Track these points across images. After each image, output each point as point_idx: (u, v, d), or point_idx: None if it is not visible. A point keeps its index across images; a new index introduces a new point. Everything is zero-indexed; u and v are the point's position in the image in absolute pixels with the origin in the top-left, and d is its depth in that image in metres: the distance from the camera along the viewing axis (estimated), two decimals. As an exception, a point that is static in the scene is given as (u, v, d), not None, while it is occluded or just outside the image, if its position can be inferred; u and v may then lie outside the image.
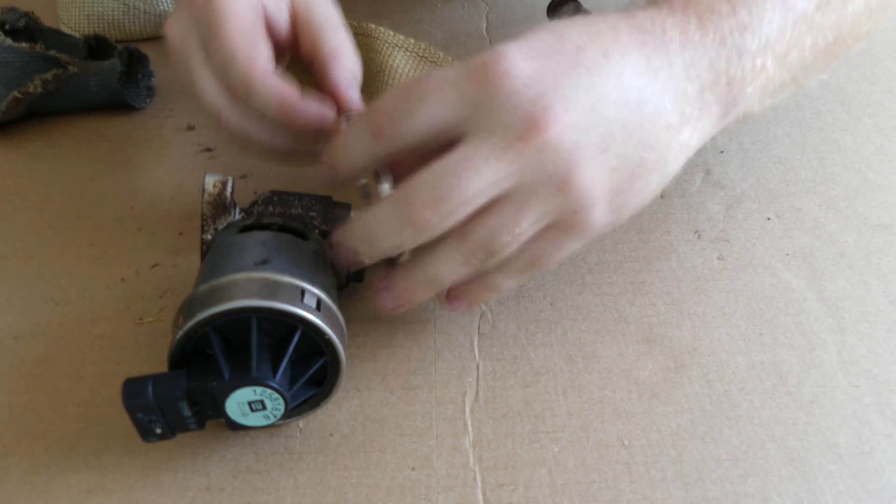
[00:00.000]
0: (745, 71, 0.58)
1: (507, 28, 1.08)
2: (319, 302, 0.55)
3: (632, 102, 0.55)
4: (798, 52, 0.61)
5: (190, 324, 0.52)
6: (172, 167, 0.84)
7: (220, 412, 0.53)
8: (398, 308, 0.61)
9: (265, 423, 0.54)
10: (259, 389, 0.52)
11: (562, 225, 0.56)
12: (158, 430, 0.52)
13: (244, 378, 0.51)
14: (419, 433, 0.60)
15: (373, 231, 0.56)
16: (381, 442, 0.59)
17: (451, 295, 0.62)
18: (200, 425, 0.54)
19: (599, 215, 0.56)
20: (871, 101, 0.93)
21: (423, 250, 0.57)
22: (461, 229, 0.55)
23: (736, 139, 0.87)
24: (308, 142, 0.65)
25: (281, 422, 0.56)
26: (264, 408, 0.53)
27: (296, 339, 0.53)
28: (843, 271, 0.72)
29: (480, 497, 0.56)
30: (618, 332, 0.67)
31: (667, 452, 0.58)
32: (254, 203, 0.64)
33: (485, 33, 1.07)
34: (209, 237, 0.62)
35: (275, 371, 0.52)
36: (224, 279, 0.53)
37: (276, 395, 0.52)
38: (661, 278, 0.71)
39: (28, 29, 0.90)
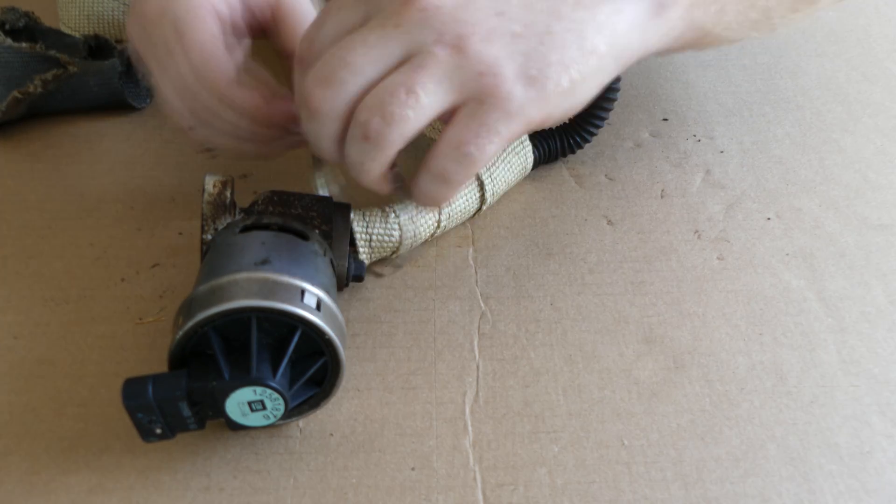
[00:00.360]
0: None
1: None
2: (319, 302, 0.54)
3: None
4: None
5: (190, 324, 0.52)
6: (172, 167, 0.84)
7: (220, 412, 0.53)
8: (378, 191, 0.60)
9: (265, 423, 0.54)
10: (259, 389, 0.52)
11: (475, 97, 0.53)
12: (158, 430, 0.52)
13: (244, 378, 0.51)
14: (419, 433, 0.60)
15: (308, 136, 0.58)
16: (381, 442, 0.59)
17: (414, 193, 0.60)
18: (200, 425, 0.54)
19: (511, 83, 0.53)
20: (872, 102, 0.93)
21: None
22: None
23: (736, 139, 0.87)
24: (280, 136, 0.66)
25: (281, 422, 0.56)
26: (264, 408, 0.53)
27: (296, 339, 0.53)
28: (844, 271, 0.72)
29: (480, 497, 0.56)
30: (618, 332, 0.67)
31: (667, 452, 0.58)
32: (254, 203, 0.64)
33: None
34: (209, 237, 0.61)
35: (275, 371, 0.52)
36: (224, 279, 0.53)
37: (276, 395, 0.52)
38: (661, 278, 0.71)
39: (28, 29, 0.90)
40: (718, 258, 0.73)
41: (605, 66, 0.57)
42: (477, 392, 0.62)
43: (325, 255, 0.61)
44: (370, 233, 0.68)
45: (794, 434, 0.59)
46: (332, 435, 0.59)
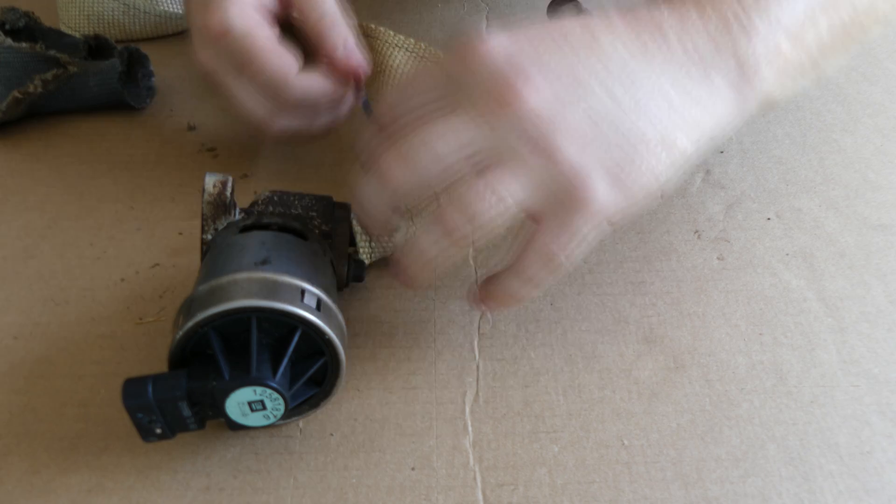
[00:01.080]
0: (756, 52, 0.57)
1: (506, 29, 1.06)
2: (319, 302, 0.54)
3: (625, 80, 0.55)
4: (814, 33, 0.60)
5: (190, 324, 0.51)
6: (172, 167, 0.84)
7: (220, 412, 0.53)
8: (411, 285, 0.60)
9: (265, 423, 0.54)
10: (259, 389, 0.52)
11: (562, 202, 0.54)
12: (158, 430, 0.52)
13: (244, 378, 0.51)
14: (419, 433, 0.59)
15: (361, 198, 0.58)
16: (381, 442, 0.59)
17: (480, 296, 0.61)
18: (200, 425, 0.54)
19: (600, 187, 0.53)
20: (871, 102, 0.93)
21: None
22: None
23: (736, 139, 0.87)
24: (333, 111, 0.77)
25: (281, 422, 0.56)
26: (264, 408, 0.53)
27: (296, 339, 0.53)
28: (843, 271, 0.72)
29: (480, 497, 0.56)
30: (618, 332, 0.67)
31: (667, 452, 0.58)
32: (254, 203, 0.64)
33: (485, 33, 1.05)
34: (209, 237, 0.61)
35: (275, 371, 0.52)
36: (224, 279, 0.53)
37: (276, 395, 0.52)
38: (661, 278, 0.71)
39: (28, 29, 0.90)
40: (718, 258, 0.73)
41: (687, 159, 0.58)
42: (477, 392, 0.62)
43: (324, 255, 0.61)
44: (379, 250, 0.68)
45: (794, 434, 0.59)
46: (332, 435, 0.59)
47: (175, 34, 1.05)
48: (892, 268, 0.72)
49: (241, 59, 0.70)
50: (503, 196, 0.53)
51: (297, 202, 0.64)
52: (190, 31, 0.73)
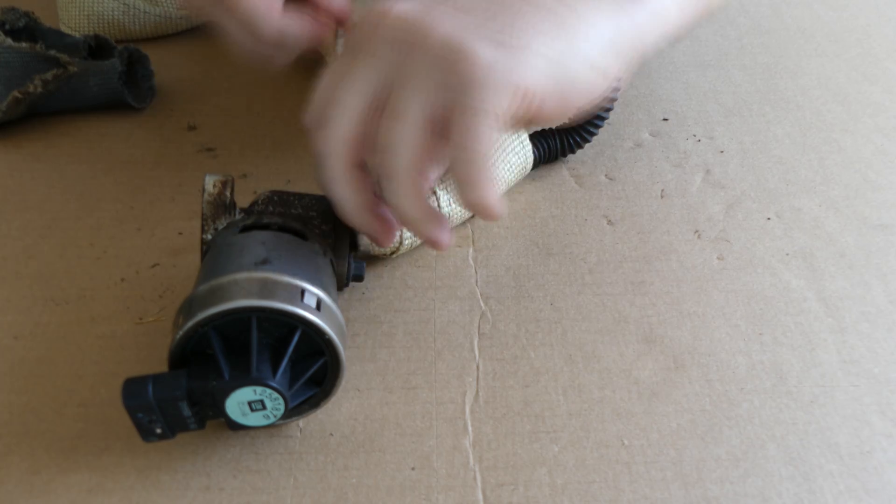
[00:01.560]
0: None
1: None
2: (319, 302, 0.54)
3: None
4: None
5: (190, 323, 0.51)
6: (172, 167, 0.83)
7: (220, 412, 0.53)
8: (383, 242, 0.62)
9: (265, 422, 0.54)
10: (259, 389, 0.52)
11: (454, 86, 0.52)
12: (158, 430, 0.52)
13: (244, 378, 0.51)
14: (419, 433, 0.59)
15: (321, 186, 0.60)
16: (381, 442, 0.59)
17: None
18: (200, 425, 0.54)
19: (482, 52, 0.52)
20: (871, 102, 0.93)
21: None
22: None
23: (736, 139, 0.87)
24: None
25: (281, 421, 0.56)
26: (264, 408, 0.53)
27: (296, 339, 0.53)
28: (843, 271, 0.72)
29: (480, 497, 0.55)
30: (618, 332, 0.67)
31: (667, 452, 0.58)
32: (254, 203, 0.64)
33: None
34: (209, 237, 0.61)
35: (275, 371, 0.52)
36: (224, 279, 0.53)
37: (275, 394, 0.52)
38: (661, 278, 0.71)
39: (28, 29, 0.90)
40: (718, 258, 0.73)
41: (575, 32, 0.57)
42: (477, 392, 0.62)
43: (324, 254, 0.61)
44: None
45: (794, 434, 0.59)
46: (332, 435, 0.59)
47: (175, 34, 1.05)
48: (893, 268, 0.72)
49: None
50: (401, 113, 0.53)
51: (297, 202, 0.64)
52: None
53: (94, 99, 0.88)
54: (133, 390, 0.50)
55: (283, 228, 0.60)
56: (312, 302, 0.54)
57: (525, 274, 0.71)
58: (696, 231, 0.75)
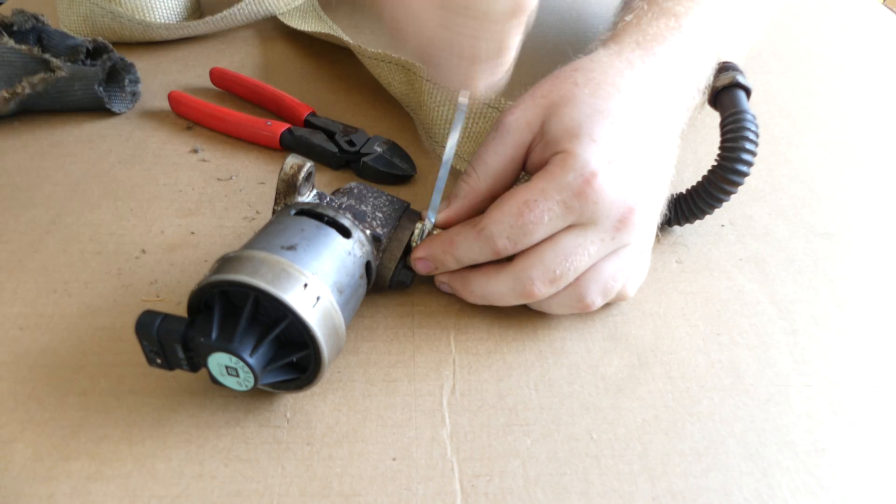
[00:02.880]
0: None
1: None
2: (318, 299, 0.53)
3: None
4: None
5: (205, 281, 0.52)
6: (169, 166, 0.82)
7: (204, 364, 0.54)
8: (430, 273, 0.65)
9: (238, 388, 0.54)
10: (234, 359, 0.51)
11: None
12: (159, 361, 0.55)
13: (224, 345, 0.51)
14: (399, 424, 0.58)
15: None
16: (364, 433, 0.57)
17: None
18: (193, 369, 0.55)
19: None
20: (815, 117, 0.93)
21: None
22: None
23: (690, 149, 0.86)
24: None
25: (268, 389, 0.57)
26: (238, 375, 0.53)
27: (282, 326, 0.52)
28: (794, 276, 0.71)
29: (458, 487, 0.54)
30: (584, 330, 0.65)
31: (633, 446, 0.56)
32: (336, 190, 0.65)
33: None
34: (278, 209, 0.62)
35: (255, 348, 0.52)
36: (251, 252, 0.54)
37: (247, 368, 0.52)
38: None
39: (35, 30, 0.90)
40: (677, 262, 0.72)
41: None
42: (454, 385, 0.61)
43: (360, 255, 0.60)
44: None
45: (752, 430, 0.58)
46: (317, 426, 0.58)
47: (170, 41, 1.05)
48: (839, 273, 0.71)
49: None
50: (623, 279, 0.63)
51: (371, 199, 0.65)
52: None
53: (79, 102, 0.88)
54: (144, 321, 0.53)
55: (331, 222, 0.60)
56: (311, 297, 0.53)
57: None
58: (656, 236, 0.73)
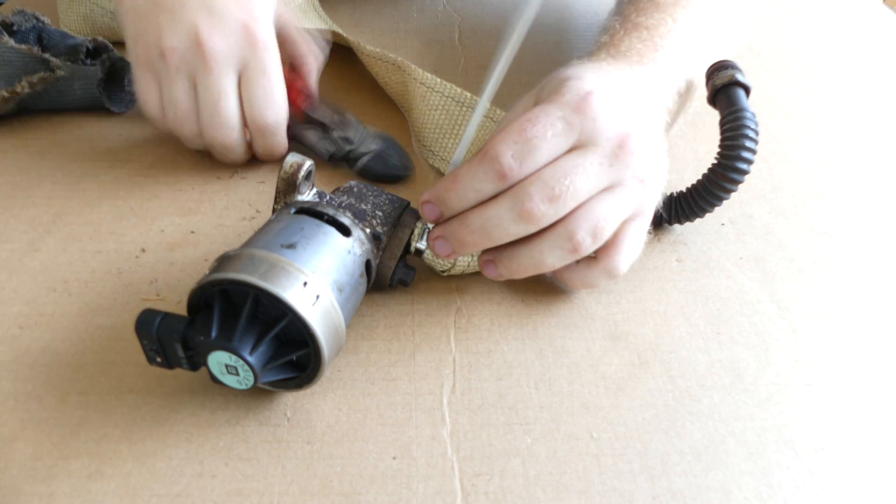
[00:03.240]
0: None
1: (476, 38, 1.08)
2: (318, 297, 0.53)
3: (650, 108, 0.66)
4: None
5: (204, 280, 0.52)
6: (169, 166, 0.82)
7: (204, 363, 0.53)
8: (452, 257, 0.63)
9: (238, 387, 0.54)
10: (234, 357, 0.51)
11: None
12: (159, 360, 0.55)
13: (224, 343, 0.51)
14: (399, 423, 0.58)
15: (490, 223, 0.59)
16: (364, 431, 0.57)
17: (487, 261, 0.64)
18: (193, 368, 0.55)
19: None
20: (815, 116, 0.93)
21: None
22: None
23: (691, 148, 0.86)
24: None
25: (269, 388, 0.58)
26: (238, 374, 0.53)
27: (281, 324, 0.52)
28: (793, 275, 0.71)
29: (458, 486, 0.54)
30: (585, 329, 0.65)
31: (633, 445, 0.56)
32: (336, 189, 0.65)
33: (457, 42, 1.07)
34: (278, 207, 0.62)
35: (254, 347, 0.52)
36: (250, 250, 0.54)
37: (247, 366, 0.52)
38: (625, 278, 0.70)
39: (36, 30, 0.90)
40: (677, 260, 0.72)
41: None
42: (454, 384, 0.61)
43: (360, 254, 0.60)
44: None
45: (752, 430, 0.58)
46: (317, 424, 0.57)
47: None
48: (838, 272, 0.71)
49: (255, 66, 0.75)
50: (617, 218, 0.62)
51: (371, 198, 0.65)
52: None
53: (79, 101, 0.88)
54: (144, 320, 0.53)
55: (331, 221, 0.60)
56: (310, 295, 0.52)
57: (497, 273, 0.69)
58: (656, 234, 0.74)
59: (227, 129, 0.75)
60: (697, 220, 0.73)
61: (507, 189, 0.59)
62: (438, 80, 0.83)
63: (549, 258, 0.61)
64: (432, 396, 0.60)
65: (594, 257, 0.64)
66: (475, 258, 0.67)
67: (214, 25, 0.71)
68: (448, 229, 0.62)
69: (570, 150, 0.60)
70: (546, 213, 0.58)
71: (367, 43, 0.90)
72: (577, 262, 0.64)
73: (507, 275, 0.63)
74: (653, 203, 0.65)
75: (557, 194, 0.58)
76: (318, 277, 0.53)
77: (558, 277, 0.66)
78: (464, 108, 0.81)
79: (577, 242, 0.59)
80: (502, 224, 0.59)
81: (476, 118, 0.62)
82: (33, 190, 0.78)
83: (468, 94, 0.81)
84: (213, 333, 0.51)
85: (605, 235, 0.60)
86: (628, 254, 0.64)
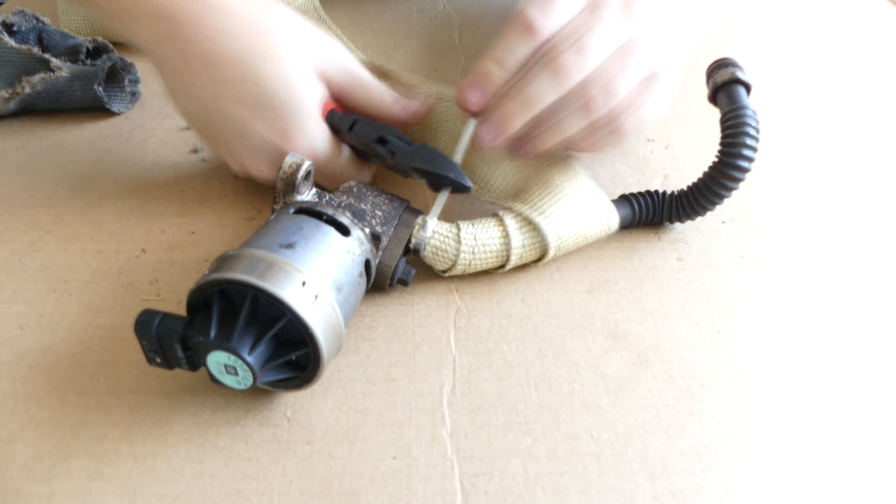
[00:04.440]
0: None
1: (476, 39, 1.08)
2: (317, 297, 0.53)
3: None
4: None
5: (203, 280, 0.53)
6: (168, 166, 0.82)
7: (203, 363, 0.54)
8: (498, 139, 0.66)
9: (237, 387, 0.54)
10: (233, 357, 0.51)
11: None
12: (158, 360, 0.55)
13: (223, 343, 0.51)
14: (399, 423, 0.58)
15: (528, 89, 0.63)
16: (364, 431, 0.57)
17: (519, 143, 0.68)
18: (192, 368, 0.55)
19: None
20: (817, 113, 0.93)
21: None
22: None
23: (691, 146, 0.86)
24: None
25: (268, 388, 0.58)
26: (237, 374, 0.53)
27: (280, 324, 0.52)
28: (795, 273, 0.71)
29: (458, 486, 0.54)
30: (585, 328, 0.65)
31: (633, 445, 0.56)
32: (336, 189, 0.66)
33: (457, 42, 1.07)
34: (277, 208, 0.63)
35: (253, 346, 0.52)
36: (249, 250, 0.54)
37: (246, 366, 0.52)
38: (625, 277, 0.70)
39: (36, 30, 0.90)
40: (678, 259, 0.71)
41: None
42: (454, 384, 0.60)
43: (359, 254, 0.60)
44: (434, 243, 0.66)
45: (753, 429, 0.58)
46: (317, 425, 0.58)
47: None
48: (838, 272, 0.71)
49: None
50: (629, 77, 0.64)
51: (371, 198, 0.66)
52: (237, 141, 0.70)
53: (79, 102, 0.88)
54: (143, 320, 0.53)
55: (330, 220, 0.60)
56: (309, 295, 0.53)
57: (497, 272, 0.70)
58: (657, 233, 0.73)
59: None
60: (698, 219, 0.73)
61: (540, 57, 0.62)
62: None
63: (566, 123, 0.64)
64: (432, 396, 0.60)
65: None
66: (476, 257, 0.67)
67: (258, 159, 0.70)
68: (492, 111, 0.65)
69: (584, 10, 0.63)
70: (575, 64, 0.61)
71: (370, 45, 0.90)
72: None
73: (532, 150, 0.67)
74: (670, 66, 0.66)
75: (583, 45, 0.61)
76: (316, 277, 0.53)
77: (572, 147, 0.69)
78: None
79: (589, 99, 0.62)
80: (537, 85, 0.62)
81: (471, 127, 0.62)
82: (33, 190, 0.78)
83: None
84: (212, 333, 0.51)
85: (618, 93, 0.63)
86: (638, 116, 0.65)
